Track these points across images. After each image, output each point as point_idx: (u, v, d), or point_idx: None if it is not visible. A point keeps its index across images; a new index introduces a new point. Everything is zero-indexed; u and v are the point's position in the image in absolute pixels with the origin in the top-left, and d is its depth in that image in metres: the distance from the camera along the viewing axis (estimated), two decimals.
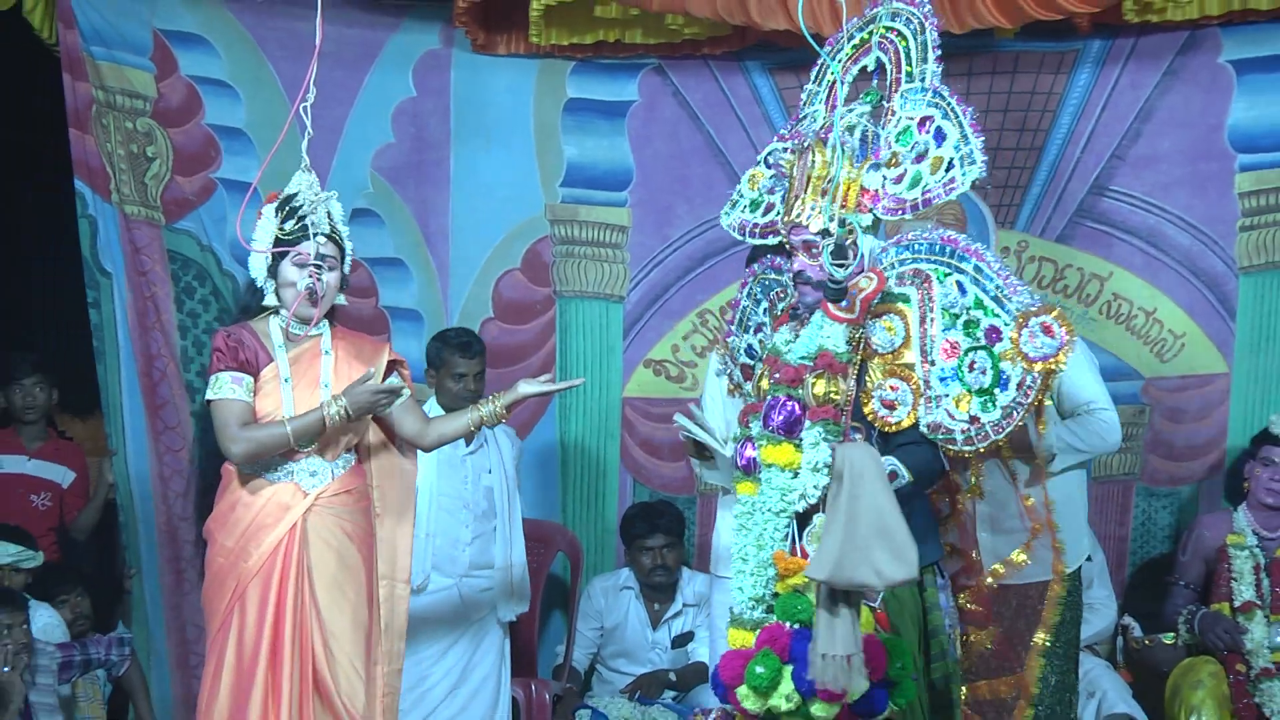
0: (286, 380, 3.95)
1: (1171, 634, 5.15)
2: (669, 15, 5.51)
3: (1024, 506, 3.93)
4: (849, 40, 3.87)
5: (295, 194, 3.96)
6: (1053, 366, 3.40)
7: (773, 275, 4.07)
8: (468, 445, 5.11)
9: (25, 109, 6.22)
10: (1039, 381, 3.42)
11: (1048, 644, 3.96)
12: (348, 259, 4.08)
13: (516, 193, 5.92)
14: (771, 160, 3.91)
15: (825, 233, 3.60)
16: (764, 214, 3.97)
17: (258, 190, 4.52)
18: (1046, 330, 3.39)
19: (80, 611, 5.32)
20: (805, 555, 3.52)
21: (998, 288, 3.48)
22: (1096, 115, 5.66)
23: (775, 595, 3.56)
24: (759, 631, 3.52)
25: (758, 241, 3.99)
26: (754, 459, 3.66)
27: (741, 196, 4.05)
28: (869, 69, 3.80)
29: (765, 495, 3.58)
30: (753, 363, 4.13)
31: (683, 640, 5.57)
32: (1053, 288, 5.72)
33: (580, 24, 5.72)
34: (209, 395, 3.93)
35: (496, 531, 5.13)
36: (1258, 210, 5.63)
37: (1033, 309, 3.43)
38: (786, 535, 3.55)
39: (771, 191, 3.98)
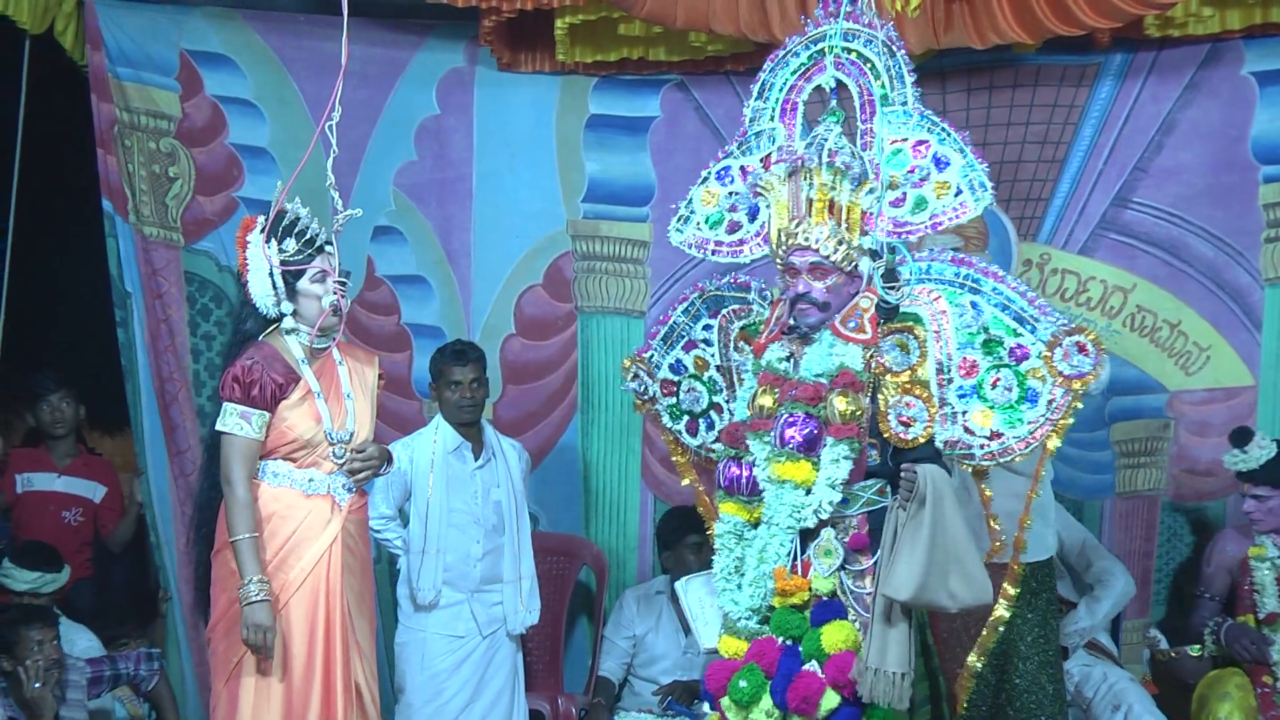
0: (319, 395, 3.98)
1: (1198, 646, 5.15)
2: (692, 33, 5.53)
3: (989, 526, 3.96)
4: (794, 57, 3.95)
5: (286, 213, 3.97)
6: (1089, 382, 3.64)
7: (732, 293, 4.16)
8: (476, 460, 5.12)
9: (56, 129, 6.26)
10: (1070, 398, 3.65)
11: (978, 667, 4.06)
12: None
13: (538, 209, 5.94)
14: (732, 177, 4.04)
15: (875, 254, 3.73)
16: (729, 231, 4.04)
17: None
18: (1081, 349, 3.63)
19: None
20: (808, 570, 3.61)
21: (1021, 309, 3.69)
22: (1118, 128, 5.65)
23: (772, 608, 3.62)
24: (751, 643, 3.63)
25: (726, 260, 4.07)
26: (739, 477, 3.74)
27: (693, 213, 4.11)
28: (828, 88, 3.90)
29: (774, 511, 3.65)
30: (676, 379, 4.25)
31: None
32: (1075, 300, 5.71)
33: (605, 42, 5.75)
34: (218, 425, 3.94)
35: (506, 545, 5.12)
36: None
37: (1065, 329, 3.65)
38: (790, 550, 3.62)
39: (734, 210, 4.04)
